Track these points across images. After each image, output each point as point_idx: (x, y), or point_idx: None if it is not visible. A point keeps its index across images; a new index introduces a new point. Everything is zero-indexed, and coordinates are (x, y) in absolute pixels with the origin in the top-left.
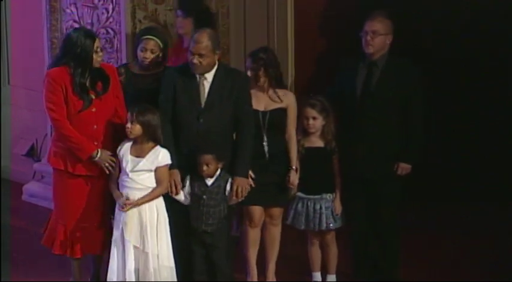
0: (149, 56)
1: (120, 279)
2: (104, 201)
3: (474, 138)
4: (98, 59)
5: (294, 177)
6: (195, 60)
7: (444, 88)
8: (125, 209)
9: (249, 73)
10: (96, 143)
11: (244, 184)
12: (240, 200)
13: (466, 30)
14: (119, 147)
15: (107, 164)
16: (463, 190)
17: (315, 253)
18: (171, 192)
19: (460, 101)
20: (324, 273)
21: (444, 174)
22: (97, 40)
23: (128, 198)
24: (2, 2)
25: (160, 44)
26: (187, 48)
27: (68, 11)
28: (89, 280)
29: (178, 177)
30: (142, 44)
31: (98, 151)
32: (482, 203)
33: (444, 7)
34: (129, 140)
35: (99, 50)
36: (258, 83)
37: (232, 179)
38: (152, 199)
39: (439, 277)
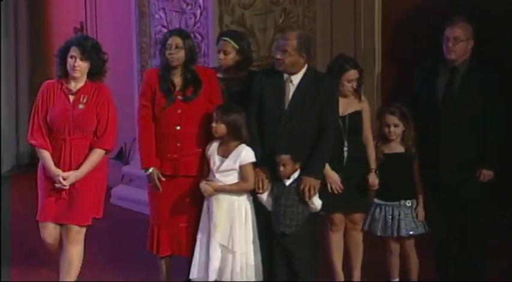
0: (223, 57)
1: (203, 278)
2: (195, 202)
3: None
4: (168, 55)
5: (374, 179)
6: (278, 55)
7: None
8: (208, 192)
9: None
10: (178, 145)
11: (312, 184)
12: (317, 205)
13: None
14: (207, 147)
15: (156, 183)
16: None
17: (393, 260)
18: (258, 188)
19: None
20: (404, 279)
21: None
22: (173, 37)
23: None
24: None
25: (235, 46)
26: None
27: (157, 16)
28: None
29: (264, 175)
30: (218, 46)
31: (151, 169)
32: None
33: None
34: (217, 139)
35: (173, 47)
36: (343, 88)
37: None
38: (236, 191)
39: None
